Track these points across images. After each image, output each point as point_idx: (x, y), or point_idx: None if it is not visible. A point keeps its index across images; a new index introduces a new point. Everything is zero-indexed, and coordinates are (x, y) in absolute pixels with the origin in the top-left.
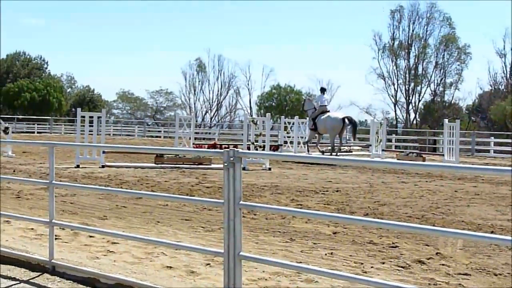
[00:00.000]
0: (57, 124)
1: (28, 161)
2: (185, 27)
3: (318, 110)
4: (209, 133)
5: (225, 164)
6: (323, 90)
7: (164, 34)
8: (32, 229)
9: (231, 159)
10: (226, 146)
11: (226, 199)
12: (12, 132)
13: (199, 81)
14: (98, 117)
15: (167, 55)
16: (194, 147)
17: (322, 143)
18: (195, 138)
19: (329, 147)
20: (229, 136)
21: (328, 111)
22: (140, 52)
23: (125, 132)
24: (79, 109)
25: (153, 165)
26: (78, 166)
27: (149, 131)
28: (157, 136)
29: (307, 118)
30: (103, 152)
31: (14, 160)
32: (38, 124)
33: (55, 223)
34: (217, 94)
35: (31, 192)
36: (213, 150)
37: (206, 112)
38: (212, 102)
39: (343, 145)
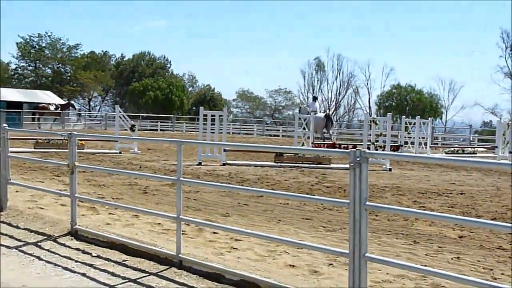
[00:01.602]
0: (179, 122)
1: (153, 157)
2: (305, 27)
3: (310, 114)
4: (327, 133)
5: (351, 165)
6: (314, 98)
7: (283, 34)
8: (159, 223)
9: (358, 159)
10: (345, 146)
11: (351, 200)
12: (138, 130)
13: (317, 81)
14: (220, 116)
15: (287, 54)
16: (313, 147)
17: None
18: (314, 138)
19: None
20: (347, 136)
21: (316, 113)
22: (260, 52)
23: (244, 131)
24: (201, 108)
25: (273, 163)
26: (200, 164)
27: (267, 129)
28: (275, 135)
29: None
30: (224, 150)
31: (140, 157)
32: (161, 122)
33: (182, 218)
34: (336, 93)
35: (156, 188)
36: (338, 150)
37: (325, 111)
38: (330, 102)
39: (467, 146)
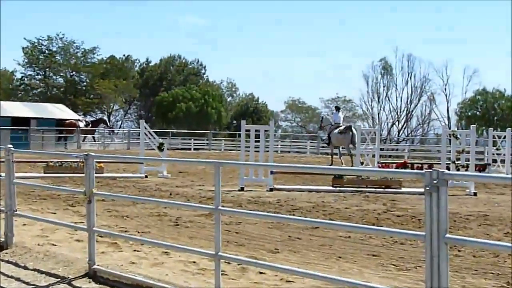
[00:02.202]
0: (216, 139)
1: (186, 182)
2: (367, 23)
3: (333, 126)
4: (397, 150)
5: (427, 188)
6: (337, 108)
7: (341, 32)
8: (194, 262)
9: (435, 182)
10: (419, 165)
11: (428, 231)
12: (167, 149)
13: (384, 86)
14: (265, 131)
15: (346, 55)
16: (379, 167)
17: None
18: (380, 156)
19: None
20: (421, 153)
21: (341, 126)
22: (313, 54)
23: (295, 148)
24: (243, 122)
25: (330, 188)
26: (242, 189)
27: (323, 147)
28: (334, 153)
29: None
30: (272, 172)
31: (170, 182)
32: (195, 140)
33: (221, 256)
34: (407, 101)
35: (190, 219)
36: (411, 170)
37: (393, 123)
38: (400, 112)
39: None
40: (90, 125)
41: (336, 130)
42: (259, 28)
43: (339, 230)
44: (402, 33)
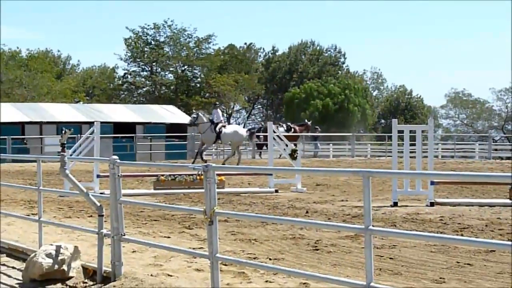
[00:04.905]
0: (360, 143)
1: (325, 197)
2: None
3: (219, 125)
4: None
5: None
6: (216, 106)
7: None
8: None
9: None
10: None
11: None
12: (301, 157)
13: None
14: (422, 131)
15: None
16: None
17: None
18: None
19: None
20: None
21: (225, 125)
22: (480, 33)
23: (460, 152)
24: (394, 121)
25: (508, 201)
26: (395, 204)
27: (496, 150)
28: (509, 157)
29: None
30: (432, 183)
31: (305, 197)
32: (333, 144)
33: (373, 287)
34: None
35: (332, 242)
36: None
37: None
38: None
39: None
40: (293, 129)
41: (232, 130)
42: (410, 3)
43: None
44: None
